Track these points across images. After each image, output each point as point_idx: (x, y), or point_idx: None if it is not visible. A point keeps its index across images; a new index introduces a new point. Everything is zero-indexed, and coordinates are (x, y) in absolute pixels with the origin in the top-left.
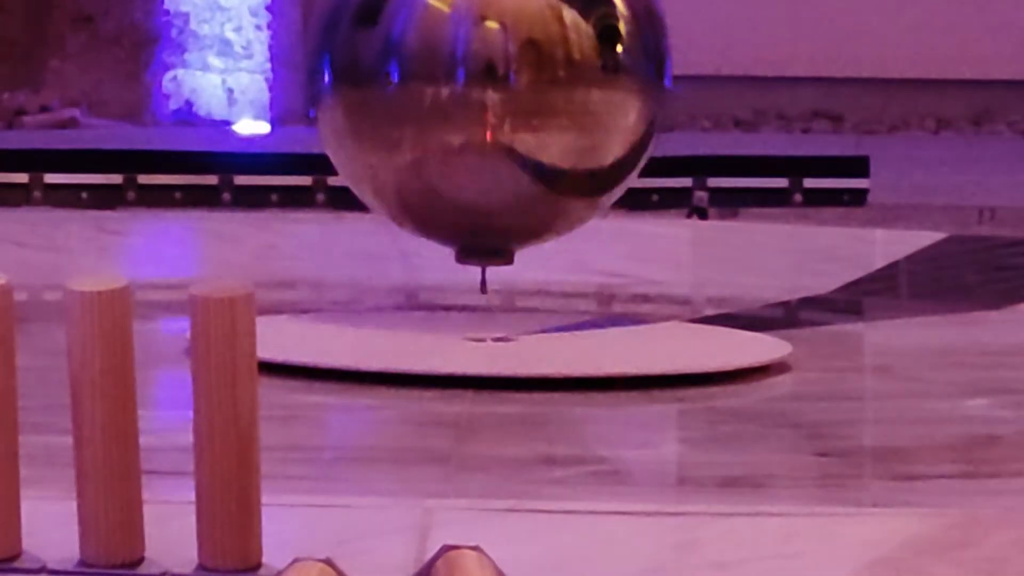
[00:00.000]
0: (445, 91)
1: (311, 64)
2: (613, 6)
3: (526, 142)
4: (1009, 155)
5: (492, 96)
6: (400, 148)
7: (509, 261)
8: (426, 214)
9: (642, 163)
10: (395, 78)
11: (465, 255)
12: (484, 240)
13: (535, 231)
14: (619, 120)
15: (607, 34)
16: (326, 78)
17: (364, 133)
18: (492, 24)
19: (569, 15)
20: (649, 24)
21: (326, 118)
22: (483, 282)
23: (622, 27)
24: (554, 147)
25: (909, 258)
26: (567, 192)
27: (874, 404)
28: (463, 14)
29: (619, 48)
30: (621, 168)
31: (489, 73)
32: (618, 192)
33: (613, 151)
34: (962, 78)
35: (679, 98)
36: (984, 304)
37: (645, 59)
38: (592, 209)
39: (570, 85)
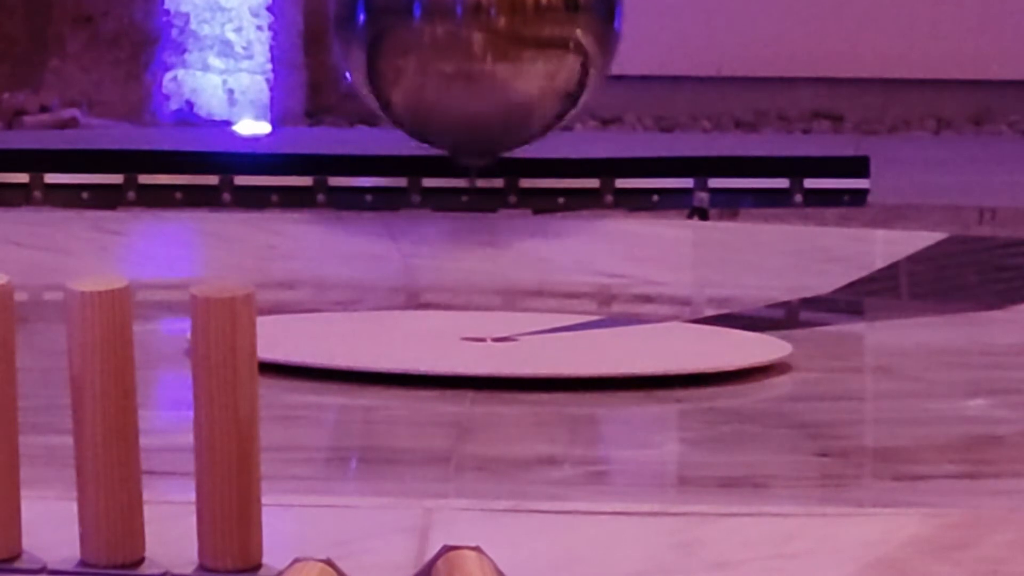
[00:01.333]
0: (444, 28)
1: (340, 9)
2: None
3: (504, 68)
4: (1009, 155)
5: (478, 32)
6: (411, 72)
7: (494, 160)
8: (431, 125)
9: (595, 85)
10: (416, 16)
11: (458, 156)
12: (474, 144)
13: (513, 138)
14: (576, 51)
15: None
16: (360, 18)
17: (386, 61)
18: None
19: None
20: None
21: (355, 52)
22: (473, 179)
23: None
24: (526, 72)
25: (909, 258)
26: (536, 107)
27: (874, 404)
28: None
29: None
30: (577, 89)
31: (476, 13)
32: (574, 110)
33: (571, 76)
34: (962, 78)
35: (679, 95)
36: (984, 304)
37: (599, 2)
38: (555, 121)
39: (538, 22)
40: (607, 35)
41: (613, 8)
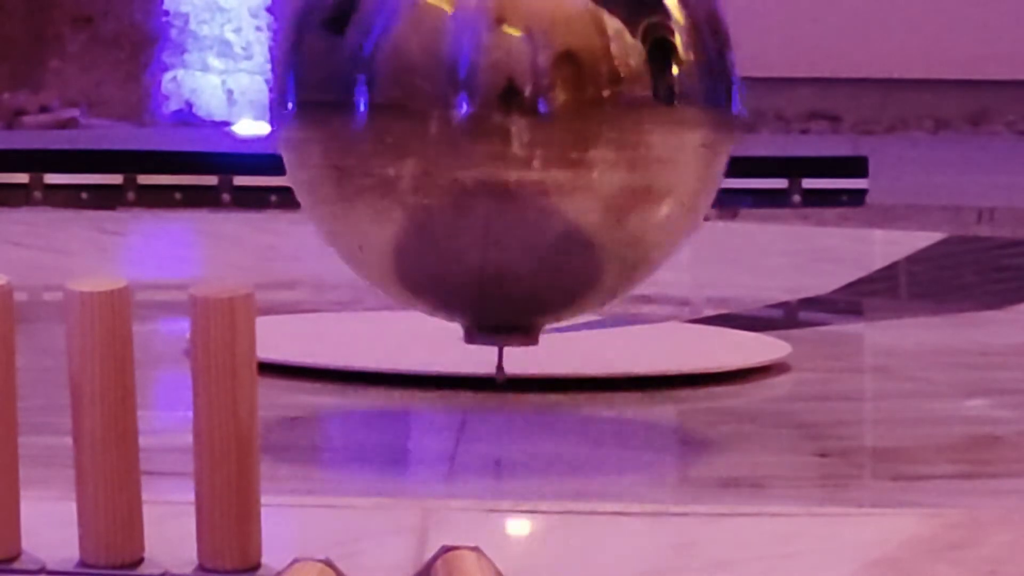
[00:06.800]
0: (449, 119)
1: (278, 87)
2: (667, 14)
3: (559, 185)
4: (1007, 155)
5: (515, 124)
6: (391, 194)
7: (533, 341)
8: (425, 280)
9: (705, 209)
10: (366, 102)
11: (476, 333)
12: (501, 314)
13: (569, 302)
14: (677, 157)
15: (659, 49)
16: (290, 104)
17: (341, 177)
18: (511, 30)
19: (612, 24)
20: (711, 35)
21: (294, 156)
22: (500, 366)
23: (678, 41)
24: (595, 191)
25: (908, 258)
26: (611, 249)
27: (874, 404)
28: (472, 16)
29: (674, 69)
30: (678, 218)
31: (510, 95)
32: (674, 250)
33: (669, 195)
34: (960, 78)
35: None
36: (983, 304)
37: (707, 79)
38: (642, 270)
39: (617, 111)
40: (720, 128)
41: (728, 87)
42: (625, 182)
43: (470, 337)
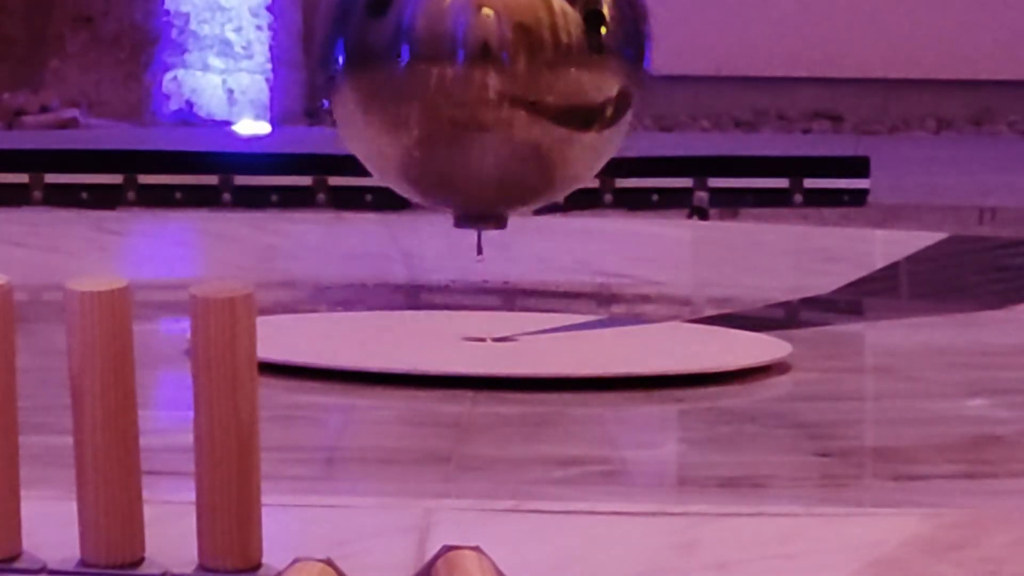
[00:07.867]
0: (446, 72)
1: (323, 50)
2: None
3: (519, 117)
4: (1009, 155)
5: (488, 76)
6: (406, 124)
7: (502, 225)
8: (428, 183)
9: (623, 136)
10: (404, 60)
11: (462, 220)
12: (480, 207)
13: (526, 198)
14: (603, 97)
15: (592, 19)
16: (340, 62)
17: (374, 111)
18: (487, 11)
19: (557, 2)
20: (630, 9)
21: (339, 99)
22: (479, 245)
23: (606, 12)
24: (544, 122)
25: (909, 258)
26: (555, 163)
27: (874, 404)
28: (462, 3)
29: (603, 31)
30: (604, 141)
31: (485, 55)
32: (600, 164)
33: (597, 126)
34: (962, 78)
35: (659, 82)
36: (984, 304)
37: (626, 42)
38: (577, 178)
39: (558, 65)
40: (636, 77)
41: (642, 48)
42: (566, 116)
43: (457, 223)
